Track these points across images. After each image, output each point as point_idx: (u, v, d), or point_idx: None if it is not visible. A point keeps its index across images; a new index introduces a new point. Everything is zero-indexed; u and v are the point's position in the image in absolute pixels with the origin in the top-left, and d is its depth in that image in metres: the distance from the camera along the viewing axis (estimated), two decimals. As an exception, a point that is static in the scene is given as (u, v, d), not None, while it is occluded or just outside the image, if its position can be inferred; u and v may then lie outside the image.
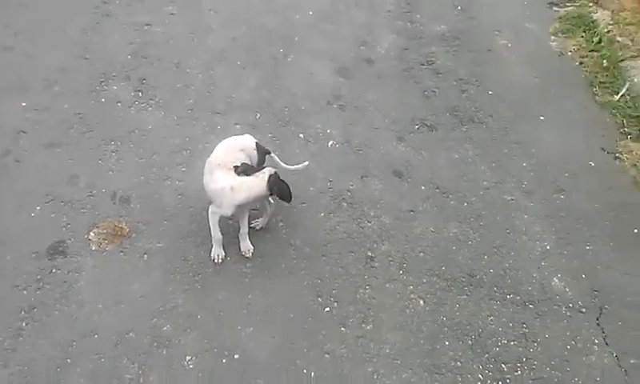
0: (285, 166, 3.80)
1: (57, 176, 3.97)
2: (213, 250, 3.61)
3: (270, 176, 3.46)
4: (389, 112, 4.67)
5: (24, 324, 3.28)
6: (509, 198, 4.13)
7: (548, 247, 3.83)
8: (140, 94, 4.56)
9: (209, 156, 3.58)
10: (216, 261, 3.61)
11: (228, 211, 3.46)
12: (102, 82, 4.61)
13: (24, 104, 4.39)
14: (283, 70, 4.93)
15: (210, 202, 3.55)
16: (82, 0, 5.31)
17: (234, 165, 3.51)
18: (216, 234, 3.56)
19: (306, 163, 3.88)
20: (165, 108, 4.48)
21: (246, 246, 3.66)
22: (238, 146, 3.64)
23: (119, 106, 4.46)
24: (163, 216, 3.82)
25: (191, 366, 3.17)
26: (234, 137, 3.74)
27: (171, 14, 5.28)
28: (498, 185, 4.21)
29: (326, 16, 5.47)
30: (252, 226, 3.75)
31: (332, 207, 3.98)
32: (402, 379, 3.20)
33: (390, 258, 3.72)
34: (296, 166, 3.86)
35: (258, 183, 3.44)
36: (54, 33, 4.98)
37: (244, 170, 3.50)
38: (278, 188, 3.49)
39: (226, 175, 3.44)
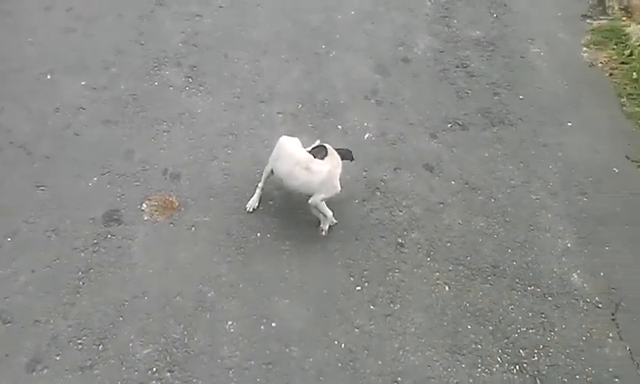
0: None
1: (112, 150, 4.29)
2: (326, 225, 3.95)
3: (333, 148, 3.95)
4: (423, 110, 4.89)
5: (81, 283, 3.60)
6: (534, 197, 4.34)
7: (569, 245, 4.04)
8: (190, 79, 4.86)
9: (283, 161, 3.84)
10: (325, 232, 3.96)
11: (338, 188, 3.85)
12: (156, 66, 4.92)
13: (83, 83, 4.73)
14: (324, 65, 5.18)
15: (310, 196, 3.85)
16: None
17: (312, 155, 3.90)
18: (329, 212, 3.90)
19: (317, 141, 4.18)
20: (213, 94, 4.77)
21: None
22: (298, 142, 3.98)
23: (171, 89, 4.77)
24: (210, 193, 4.11)
25: (232, 330, 3.46)
26: (287, 137, 3.98)
27: (220, 6, 5.56)
28: (525, 184, 4.42)
29: (366, 16, 5.70)
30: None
31: (366, 195, 4.23)
32: (425, 357, 3.44)
33: (419, 246, 3.97)
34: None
35: (336, 157, 3.91)
36: (111, 18, 5.31)
37: (316, 154, 3.92)
38: (347, 150, 4.03)
39: (319, 164, 3.82)
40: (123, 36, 5.15)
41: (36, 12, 5.27)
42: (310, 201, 3.87)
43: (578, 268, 3.90)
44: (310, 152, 3.93)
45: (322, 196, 3.83)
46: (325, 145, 3.98)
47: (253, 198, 4.04)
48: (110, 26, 5.24)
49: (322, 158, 3.87)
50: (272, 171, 3.94)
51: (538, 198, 4.33)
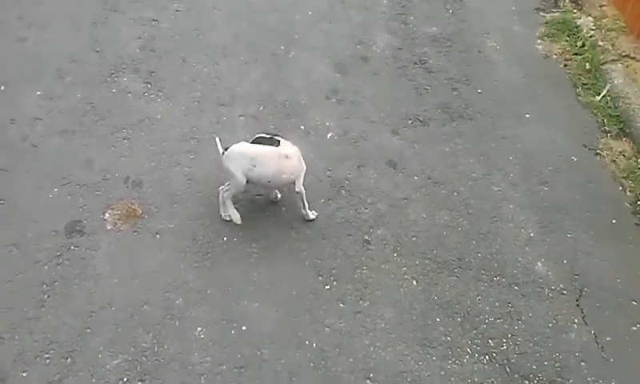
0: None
1: (72, 160, 4.20)
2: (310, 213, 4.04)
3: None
4: (383, 107, 4.93)
5: (46, 296, 3.52)
6: (496, 188, 4.42)
7: (532, 234, 4.13)
8: (149, 85, 4.79)
9: (264, 164, 3.79)
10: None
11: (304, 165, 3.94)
12: (113, 73, 4.83)
13: (39, 93, 4.61)
14: (284, 65, 5.18)
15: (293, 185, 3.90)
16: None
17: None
18: None
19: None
20: (173, 99, 4.72)
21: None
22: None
23: (129, 96, 4.69)
24: (173, 199, 4.06)
25: (202, 336, 3.43)
26: (244, 143, 3.88)
27: (177, 10, 5.50)
28: (486, 176, 4.50)
29: (324, 16, 5.72)
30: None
31: (331, 194, 4.25)
32: (396, 351, 3.47)
33: (385, 242, 4.00)
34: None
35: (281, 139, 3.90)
36: (64, 25, 5.19)
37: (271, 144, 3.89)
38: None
39: (289, 147, 3.86)
40: (78, 43, 5.04)
41: (-15, 22, 5.13)
42: (297, 189, 3.89)
43: (541, 257, 3.99)
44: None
45: (302, 177, 3.87)
46: (262, 135, 3.93)
47: (234, 215, 3.98)
48: (64, 34, 5.12)
49: (278, 146, 3.83)
50: (247, 182, 3.84)
51: (499, 190, 4.41)
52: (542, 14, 6.17)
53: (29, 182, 4.05)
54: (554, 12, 6.19)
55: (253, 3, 5.72)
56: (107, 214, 3.93)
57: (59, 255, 3.69)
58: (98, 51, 5.00)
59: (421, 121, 4.86)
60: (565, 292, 3.83)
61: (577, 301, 3.80)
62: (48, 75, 4.75)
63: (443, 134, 4.78)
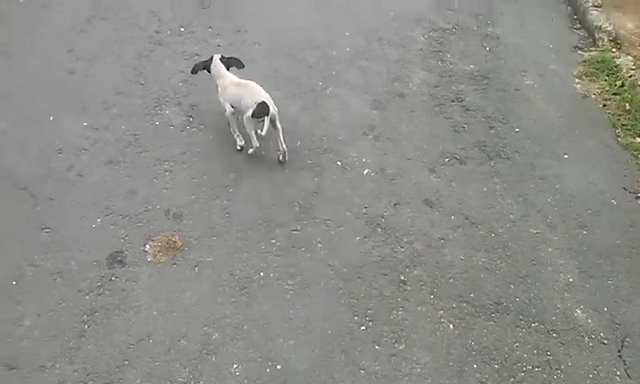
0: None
1: (115, 191, 4.31)
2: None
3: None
4: (420, 144, 4.95)
5: (87, 326, 3.59)
6: (534, 230, 4.38)
7: (571, 279, 4.07)
8: (191, 118, 4.90)
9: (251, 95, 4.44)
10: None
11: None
12: (156, 106, 4.96)
13: (85, 123, 4.76)
14: (322, 101, 5.25)
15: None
16: (136, 29, 5.67)
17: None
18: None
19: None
20: (213, 132, 4.81)
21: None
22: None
23: (172, 128, 4.81)
24: (212, 232, 4.13)
25: (237, 373, 3.45)
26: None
27: (218, 45, 5.64)
28: (524, 218, 4.46)
29: (361, 53, 5.79)
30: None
31: (367, 232, 4.26)
32: (431, 397, 3.44)
33: (422, 283, 3.99)
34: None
35: None
36: (111, 59, 5.36)
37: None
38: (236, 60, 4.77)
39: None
40: (123, 76, 5.20)
41: (38, 54, 5.33)
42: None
43: (581, 303, 3.93)
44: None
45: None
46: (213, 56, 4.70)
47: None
48: (110, 67, 5.29)
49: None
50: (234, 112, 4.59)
51: (538, 232, 4.37)
52: (579, 52, 6.14)
53: (74, 211, 4.16)
54: (592, 51, 6.16)
55: (292, 39, 5.82)
56: (148, 246, 4.01)
57: (100, 285, 3.78)
58: (142, 84, 5.14)
59: (458, 159, 4.86)
60: (605, 341, 3.76)
61: (619, 351, 3.71)
62: (94, 106, 4.90)
63: (481, 173, 4.77)
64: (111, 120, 4.81)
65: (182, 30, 5.07)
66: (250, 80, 4.55)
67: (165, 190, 4.35)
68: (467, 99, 5.44)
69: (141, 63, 5.34)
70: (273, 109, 4.37)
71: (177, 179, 4.44)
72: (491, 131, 5.15)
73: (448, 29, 6.23)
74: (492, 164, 4.86)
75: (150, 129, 4.78)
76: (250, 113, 4.36)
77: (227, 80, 4.59)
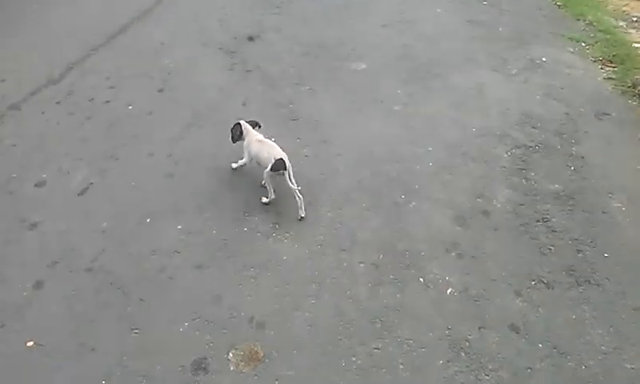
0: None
1: (203, 296, 4.46)
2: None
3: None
4: (505, 265, 4.87)
5: (170, 433, 3.63)
6: (629, 366, 4.13)
7: (673, 425, 3.77)
8: (277, 226, 5.08)
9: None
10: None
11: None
12: (246, 212, 5.19)
13: (179, 227, 5.02)
14: (404, 215, 5.31)
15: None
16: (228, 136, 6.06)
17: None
18: None
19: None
20: (298, 241, 4.95)
21: None
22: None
23: (259, 235, 4.99)
24: (293, 345, 4.15)
25: None
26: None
27: (305, 156, 5.90)
28: (617, 351, 4.23)
29: (444, 167, 5.88)
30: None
31: (450, 356, 4.15)
32: None
33: (509, 416, 3.81)
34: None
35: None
36: (208, 162, 5.73)
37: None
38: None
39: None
40: (217, 181, 5.50)
41: (141, 158, 5.77)
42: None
43: None
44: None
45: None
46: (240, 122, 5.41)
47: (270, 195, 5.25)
48: (206, 171, 5.63)
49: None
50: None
51: (633, 368, 4.11)
52: (671, 175, 5.98)
53: (163, 314, 4.32)
54: (684, 173, 5.98)
55: (375, 152, 6.01)
56: (231, 354, 4.07)
57: (184, 392, 3.84)
58: (233, 190, 5.41)
59: (545, 283, 4.73)
60: None
61: None
62: (189, 211, 5.18)
63: (569, 299, 4.60)
64: (204, 224, 5.06)
65: (274, 140, 5.35)
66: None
67: (249, 298, 4.46)
68: (553, 220, 5.35)
69: (234, 171, 5.64)
70: (288, 164, 5.06)
71: (261, 287, 4.55)
72: (579, 255, 5.01)
73: (531, 146, 6.26)
74: (581, 290, 4.69)
75: (238, 234, 4.98)
76: (269, 168, 5.02)
77: (253, 137, 5.33)
